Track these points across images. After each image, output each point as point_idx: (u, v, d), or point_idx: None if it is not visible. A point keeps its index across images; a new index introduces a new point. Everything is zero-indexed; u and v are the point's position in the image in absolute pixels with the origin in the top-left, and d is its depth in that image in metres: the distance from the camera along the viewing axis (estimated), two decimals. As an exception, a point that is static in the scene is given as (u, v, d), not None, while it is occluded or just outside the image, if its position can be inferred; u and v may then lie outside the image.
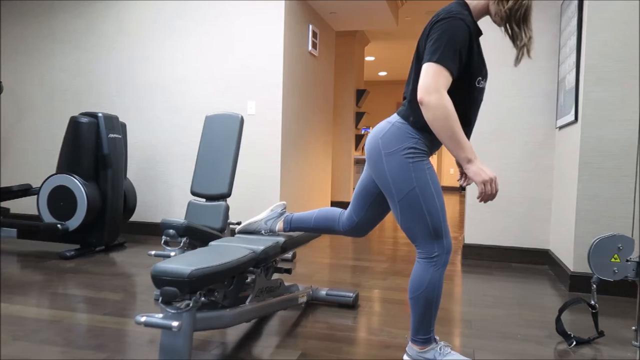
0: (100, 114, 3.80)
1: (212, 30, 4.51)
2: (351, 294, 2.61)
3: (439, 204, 1.74)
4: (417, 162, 1.73)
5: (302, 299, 2.47)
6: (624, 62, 2.93)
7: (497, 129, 3.85)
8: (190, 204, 3.23)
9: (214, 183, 3.22)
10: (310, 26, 5.14)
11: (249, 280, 2.14)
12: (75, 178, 3.67)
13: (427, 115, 1.61)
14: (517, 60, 1.76)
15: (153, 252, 2.67)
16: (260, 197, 4.42)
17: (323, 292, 2.64)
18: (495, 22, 1.75)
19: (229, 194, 3.20)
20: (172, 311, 1.59)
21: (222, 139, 3.29)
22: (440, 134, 1.62)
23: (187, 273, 1.57)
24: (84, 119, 3.74)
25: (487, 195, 1.65)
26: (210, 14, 4.50)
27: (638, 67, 2.91)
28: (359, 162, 8.55)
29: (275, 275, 2.96)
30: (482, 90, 1.77)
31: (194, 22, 4.54)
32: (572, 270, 3.07)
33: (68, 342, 2.03)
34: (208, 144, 3.33)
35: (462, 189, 12.41)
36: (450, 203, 9.18)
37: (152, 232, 4.64)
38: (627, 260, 1.97)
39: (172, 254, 2.59)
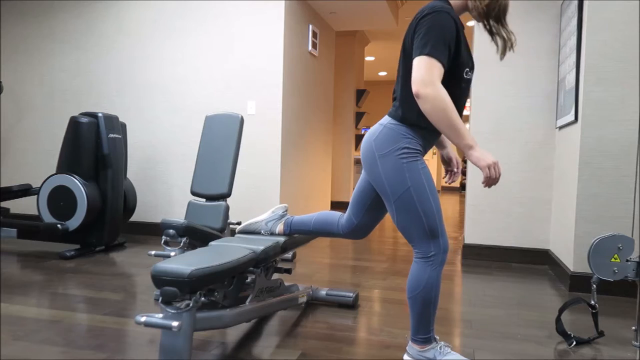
0: (100, 114, 3.80)
1: (212, 30, 4.51)
2: (351, 294, 2.61)
3: (434, 204, 1.75)
4: (411, 162, 1.74)
5: (302, 299, 2.47)
6: (624, 62, 2.93)
7: (496, 128, 3.85)
8: (190, 204, 3.23)
9: (214, 183, 3.22)
10: (310, 26, 5.14)
11: (249, 280, 2.14)
12: (75, 178, 3.67)
13: (425, 107, 1.62)
14: (502, 56, 1.78)
15: (153, 252, 2.67)
16: (260, 197, 4.42)
17: (323, 292, 2.64)
18: (473, 17, 1.77)
19: (229, 194, 3.20)
20: (172, 311, 1.59)
21: (222, 139, 3.29)
22: (440, 124, 1.63)
23: (187, 273, 1.57)
24: (84, 119, 3.74)
25: (492, 179, 1.66)
26: (210, 14, 4.50)
27: (638, 67, 2.91)
28: (359, 162, 8.55)
29: (275, 275, 2.96)
30: (469, 81, 1.80)
31: (194, 22, 4.54)
32: (572, 270, 3.07)
33: (68, 342, 2.03)
34: (208, 144, 3.33)
35: (462, 188, 12.42)
36: (450, 203, 9.18)
37: (152, 232, 4.64)
38: (627, 260, 1.97)
39: (172, 254, 2.59)
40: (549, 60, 3.74)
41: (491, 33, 1.76)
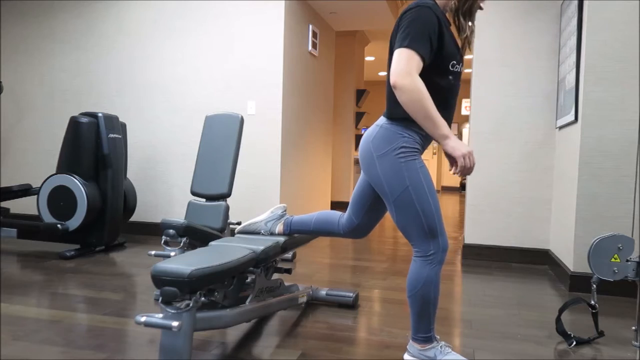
0: (100, 114, 3.80)
1: (212, 30, 4.50)
2: (351, 294, 2.61)
3: (432, 204, 1.76)
4: (409, 161, 1.76)
5: (302, 299, 2.47)
6: (624, 62, 2.93)
7: (496, 128, 3.85)
8: (190, 204, 3.23)
9: (214, 183, 3.22)
10: (310, 26, 5.14)
11: (249, 280, 2.14)
12: (75, 178, 3.67)
13: (402, 98, 1.65)
14: (463, 49, 1.85)
15: (153, 252, 2.67)
16: (260, 197, 4.42)
17: (323, 292, 2.64)
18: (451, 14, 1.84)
19: (229, 194, 3.20)
20: (172, 311, 1.58)
21: (222, 139, 3.29)
22: (416, 115, 1.66)
23: (187, 273, 1.57)
24: (84, 119, 3.74)
25: (466, 168, 1.71)
26: (210, 14, 4.50)
27: (638, 67, 2.91)
28: (359, 162, 8.55)
29: (275, 275, 2.96)
30: (458, 74, 1.82)
31: (194, 22, 4.54)
32: (572, 270, 3.07)
33: (68, 342, 2.03)
34: (208, 144, 3.33)
35: (462, 188, 12.41)
36: (450, 203, 9.18)
37: (152, 232, 4.64)
38: (627, 260, 1.97)
39: (172, 254, 2.59)
40: (549, 60, 3.74)
41: (459, 29, 1.82)
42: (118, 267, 3.40)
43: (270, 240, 2.18)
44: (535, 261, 3.80)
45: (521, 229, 3.83)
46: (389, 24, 6.17)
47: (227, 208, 3.18)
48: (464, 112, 11.81)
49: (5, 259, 3.59)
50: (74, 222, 3.67)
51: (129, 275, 3.19)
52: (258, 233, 2.33)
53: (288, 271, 2.57)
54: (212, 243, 2.14)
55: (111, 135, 3.83)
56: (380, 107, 12.09)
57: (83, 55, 4.83)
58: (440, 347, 1.83)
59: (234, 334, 2.19)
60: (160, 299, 1.58)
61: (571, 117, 3.15)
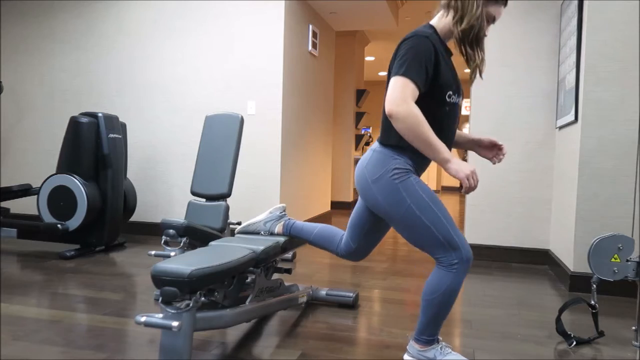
0: (100, 114, 3.80)
1: (212, 30, 4.50)
2: (351, 294, 2.61)
3: (439, 212, 1.74)
4: (404, 180, 1.75)
5: (302, 299, 2.47)
6: (624, 62, 2.93)
7: (496, 128, 3.85)
8: (190, 204, 3.23)
9: (214, 183, 3.22)
10: (310, 26, 5.14)
11: (249, 280, 2.14)
12: (75, 178, 3.67)
13: (399, 126, 1.65)
14: (471, 80, 1.82)
15: (153, 252, 2.67)
16: (260, 197, 4.42)
17: (323, 292, 2.64)
18: (456, 43, 1.80)
19: (229, 194, 3.20)
20: (172, 311, 1.59)
21: (222, 139, 3.29)
22: (415, 142, 1.66)
23: (187, 273, 1.57)
24: (84, 119, 3.74)
25: (471, 188, 1.71)
26: (210, 14, 4.50)
27: (638, 67, 2.91)
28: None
29: (275, 275, 2.96)
30: (454, 105, 1.80)
31: (194, 22, 4.54)
32: (572, 270, 3.07)
33: (68, 342, 2.03)
34: (208, 144, 3.33)
35: (462, 188, 12.43)
36: (450, 203, 9.18)
37: (152, 232, 4.64)
38: (627, 260, 1.97)
39: (172, 254, 2.59)
40: (549, 60, 3.74)
41: (467, 60, 1.79)
42: (118, 267, 3.40)
43: (270, 240, 2.18)
44: (535, 261, 3.80)
45: (521, 229, 3.83)
46: (389, 24, 6.17)
47: (227, 208, 3.18)
48: (464, 112, 11.81)
49: (5, 259, 3.59)
50: (74, 222, 3.67)
51: (129, 275, 3.19)
52: (257, 233, 2.33)
53: (288, 271, 2.57)
54: (212, 243, 2.14)
55: (111, 135, 3.83)
56: (380, 107, 12.08)
57: (83, 55, 4.83)
58: (441, 347, 1.83)
59: (234, 334, 2.19)
60: (160, 299, 1.58)
61: (571, 117, 3.15)
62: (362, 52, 7.91)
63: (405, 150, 1.77)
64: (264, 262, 2.07)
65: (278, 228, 2.30)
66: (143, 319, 1.57)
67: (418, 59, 1.66)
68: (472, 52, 1.77)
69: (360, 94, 7.71)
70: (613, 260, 1.99)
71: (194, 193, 3.28)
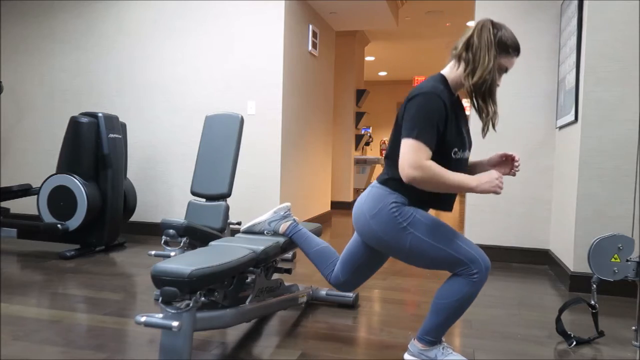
0: (100, 114, 3.80)
1: (212, 30, 4.50)
2: (351, 294, 2.61)
3: (445, 231, 1.75)
4: (401, 212, 1.76)
5: (302, 299, 2.47)
6: (624, 62, 2.93)
7: (497, 128, 3.83)
8: (190, 204, 3.23)
9: (214, 183, 3.22)
10: (310, 26, 5.14)
11: (249, 280, 2.14)
12: (75, 178, 3.67)
13: (423, 187, 1.68)
14: (483, 133, 1.80)
15: (153, 252, 2.67)
16: (260, 197, 4.42)
17: (323, 292, 2.64)
18: (466, 93, 1.79)
19: (229, 194, 3.20)
20: (172, 311, 1.58)
21: (222, 139, 3.28)
22: (442, 191, 1.70)
23: (187, 273, 1.57)
24: (84, 119, 3.74)
25: (500, 191, 1.71)
26: (210, 14, 4.50)
27: (638, 67, 2.91)
28: (359, 162, 8.55)
29: (275, 275, 2.96)
30: (459, 160, 1.80)
31: (194, 22, 4.54)
32: (572, 270, 3.07)
33: (68, 342, 2.03)
34: (208, 144, 3.33)
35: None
36: (450, 203, 9.17)
37: (152, 232, 4.64)
38: (627, 260, 1.97)
39: (172, 254, 2.59)
40: (549, 60, 3.74)
41: (479, 112, 1.78)
42: (118, 267, 3.40)
43: (270, 240, 2.19)
44: (535, 261, 3.80)
45: (521, 229, 3.83)
46: (389, 24, 6.17)
47: (227, 208, 3.18)
48: (464, 112, 11.80)
49: (5, 259, 3.59)
50: (74, 222, 3.67)
51: (129, 275, 3.19)
52: (262, 233, 2.34)
53: (288, 271, 2.57)
54: (212, 243, 2.14)
55: (111, 135, 3.83)
56: (380, 107, 12.12)
57: (83, 55, 4.83)
58: (442, 347, 1.83)
59: (234, 334, 2.19)
60: (160, 299, 1.58)
61: (571, 117, 3.15)
62: (362, 52, 7.91)
63: (401, 194, 1.79)
64: (264, 262, 2.07)
65: (282, 228, 2.31)
66: (143, 319, 1.57)
67: (430, 119, 1.66)
68: (483, 105, 1.75)
69: (360, 94, 7.71)
70: (613, 260, 1.99)
71: (194, 193, 3.27)
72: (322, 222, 5.67)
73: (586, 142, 3.01)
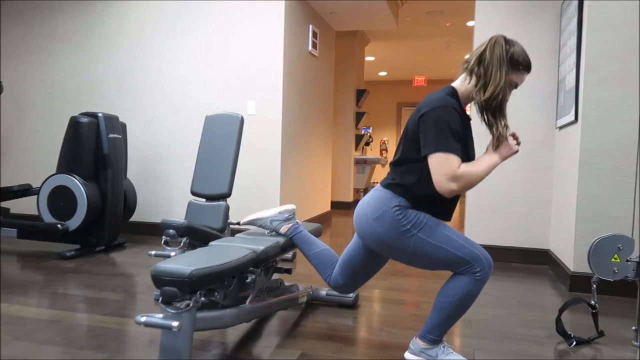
0: (100, 114, 3.80)
1: (212, 30, 4.50)
2: (351, 294, 2.61)
3: (448, 232, 1.76)
4: (405, 215, 1.77)
5: (302, 299, 2.47)
6: (624, 62, 2.93)
7: (497, 129, 3.84)
8: (190, 204, 3.23)
9: (214, 183, 3.22)
10: (310, 26, 5.14)
11: (249, 280, 2.14)
12: (75, 178, 3.67)
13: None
14: (494, 147, 1.81)
15: (153, 252, 2.67)
16: (260, 197, 4.42)
17: (323, 292, 2.64)
18: (476, 108, 1.81)
19: (229, 194, 3.20)
20: (172, 311, 1.58)
21: (222, 139, 3.28)
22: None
23: (187, 273, 1.57)
24: (84, 119, 3.74)
25: (518, 147, 1.80)
26: (210, 14, 4.50)
27: (638, 67, 2.91)
28: (359, 162, 8.55)
29: (275, 275, 2.96)
30: None
31: (194, 22, 4.54)
32: (572, 270, 3.07)
33: (68, 342, 2.03)
34: (208, 144, 3.33)
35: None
36: (450, 203, 9.16)
37: (152, 232, 4.64)
38: (627, 260, 1.97)
39: (172, 254, 2.59)
40: (549, 60, 3.74)
41: (489, 127, 1.80)
42: (118, 267, 3.40)
43: (270, 240, 2.19)
44: (535, 261, 3.80)
45: (521, 229, 3.83)
46: (389, 24, 6.17)
47: (227, 208, 3.18)
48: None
49: (5, 259, 3.59)
50: (74, 222, 3.67)
51: (129, 275, 3.19)
52: (263, 228, 2.34)
53: (288, 271, 2.57)
54: (212, 243, 2.14)
55: (111, 135, 3.83)
56: (380, 107, 12.12)
57: (83, 55, 4.83)
58: (443, 347, 1.84)
59: (234, 334, 2.19)
60: (160, 299, 1.58)
61: (571, 117, 3.15)
62: (362, 52, 7.91)
63: (407, 195, 1.79)
64: (264, 262, 2.07)
65: (283, 229, 2.31)
66: (143, 319, 1.57)
67: (451, 131, 1.68)
68: (493, 120, 1.77)
69: (360, 94, 7.71)
70: (613, 260, 1.99)
71: (194, 193, 3.28)
72: (322, 222, 5.67)
73: (586, 142, 3.01)
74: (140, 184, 4.70)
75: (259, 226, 2.35)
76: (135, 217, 4.69)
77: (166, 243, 2.67)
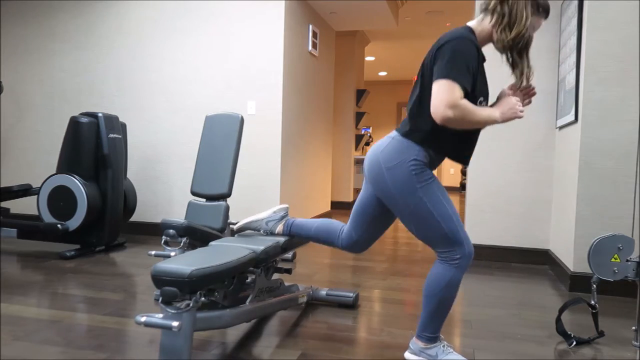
0: (100, 114, 3.80)
1: (212, 30, 4.50)
2: (351, 294, 2.61)
3: (449, 209, 1.76)
4: (420, 173, 1.75)
5: (302, 299, 2.47)
6: (624, 62, 2.93)
7: (497, 128, 3.84)
8: (190, 204, 3.23)
9: (214, 183, 3.22)
10: (310, 26, 5.14)
11: (249, 280, 2.14)
12: (75, 178, 3.67)
13: (454, 126, 1.67)
14: (518, 87, 1.80)
15: (153, 252, 2.67)
16: (260, 197, 4.42)
17: (323, 292, 2.64)
18: (497, 49, 1.78)
19: (229, 194, 3.20)
20: (172, 311, 1.58)
21: (222, 139, 3.28)
22: (470, 127, 1.71)
23: (187, 273, 1.57)
24: (84, 119, 3.74)
25: (520, 108, 1.75)
26: (210, 14, 4.50)
27: (638, 67, 2.91)
28: (359, 162, 8.55)
29: (275, 275, 2.96)
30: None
31: (194, 22, 4.54)
32: (572, 270, 3.07)
33: (68, 342, 2.03)
34: (208, 144, 3.33)
35: (462, 188, 12.41)
36: (450, 203, 9.17)
37: (152, 232, 4.64)
38: (627, 260, 1.97)
39: (172, 254, 2.59)
40: (549, 60, 3.74)
41: (513, 65, 1.78)
42: (118, 267, 3.40)
43: (270, 240, 2.18)
44: (535, 261, 3.80)
45: (521, 229, 3.83)
46: (389, 24, 6.17)
47: (227, 208, 3.17)
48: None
49: (5, 259, 3.59)
50: (74, 222, 3.67)
51: (129, 275, 3.19)
52: (258, 231, 2.33)
53: (288, 271, 2.57)
54: (212, 243, 2.14)
55: (111, 135, 3.83)
56: (380, 107, 12.11)
57: (83, 55, 4.83)
58: (443, 346, 1.84)
59: (234, 334, 2.19)
60: (161, 299, 1.58)
61: (571, 117, 3.15)
62: (362, 52, 7.91)
63: (427, 144, 1.76)
64: (264, 262, 2.07)
65: (279, 228, 2.30)
66: (143, 319, 1.57)
67: (464, 62, 1.64)
68: (519, 60, 1.75)
69: (360, 94, 7.71)
70: (613, 260, 1.99)
71: (194, 193, 3.27)
72: (322, 222, 5.66)
73: (586, 142, 3.01)
74: (140, 184, 4.70)
75: (254, 229, 2.33)
76: (135, 217, 4.69)
77: (166, 243, 2.67)
